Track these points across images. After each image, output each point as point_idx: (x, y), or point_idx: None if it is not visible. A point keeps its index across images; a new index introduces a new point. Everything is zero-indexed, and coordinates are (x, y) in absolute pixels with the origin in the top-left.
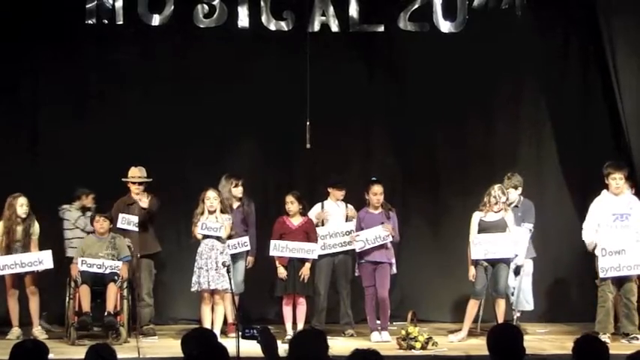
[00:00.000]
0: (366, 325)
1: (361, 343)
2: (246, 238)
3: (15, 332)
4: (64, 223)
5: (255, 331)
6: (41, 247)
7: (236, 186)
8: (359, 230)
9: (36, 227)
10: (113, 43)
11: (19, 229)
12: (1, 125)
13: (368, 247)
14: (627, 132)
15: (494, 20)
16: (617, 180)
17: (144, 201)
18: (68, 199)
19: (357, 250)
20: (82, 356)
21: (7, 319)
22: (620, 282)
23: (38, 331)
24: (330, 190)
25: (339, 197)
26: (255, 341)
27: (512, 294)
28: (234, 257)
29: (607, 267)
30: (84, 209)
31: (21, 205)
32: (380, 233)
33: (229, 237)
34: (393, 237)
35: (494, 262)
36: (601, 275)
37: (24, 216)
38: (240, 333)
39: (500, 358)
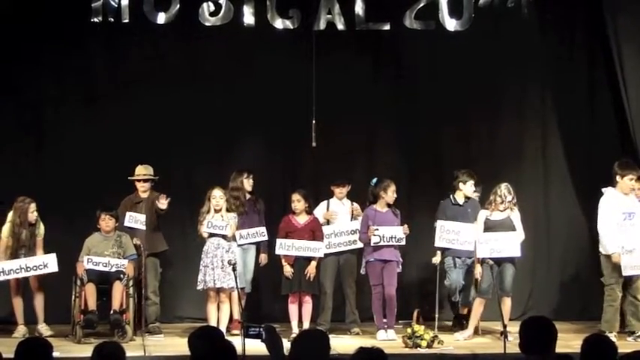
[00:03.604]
0: (372, 324)
1: (367, 342)
2: (263, 228)
3: (21, 330)
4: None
5: (259, 330)
6: (46, 248)
7: (247, 177)
8: (365, 229)
9: (41, 229)
10: (119, 42)
11: (26, 232)
12: (6, 125)
13: (382, 243)
14: (634, 130)
15: (500, 18)
16: (633, 181)
17: (162, 202)
18: None
19: (372, 244)
20: (88, 354)
21: (14, 317)
22: (627, 280)
23: (43, 328)
24: (332, 188)
25: (338, 195)
26: (259, 340)
27: (461, 291)
28: (245, 258)
29: (627, 265)
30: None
31: (32, 211)
32: (397, 234)
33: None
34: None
35: (499, 261)
36: (624, 273)
37: (34, 222)
38: (244, 332)
39: (532, 350)
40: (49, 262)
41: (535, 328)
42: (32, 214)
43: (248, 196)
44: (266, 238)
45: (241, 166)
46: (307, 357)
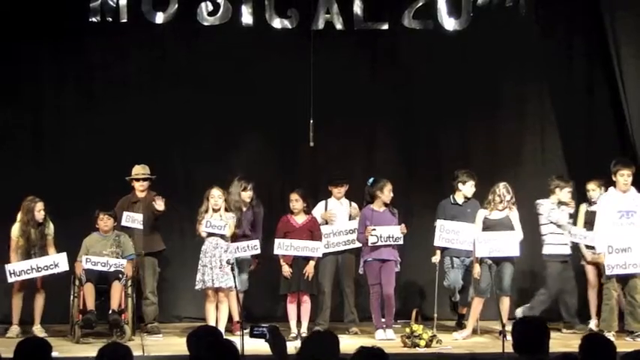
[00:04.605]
0: (370, 323)
1: (365, 341)
2: (256, 242)
3: (14, 330)
4: (540, 219)
5: (264, 330)
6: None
7: (244, 189)
8: (362, 229)
9: (51, 228)
10: (117, 41)
11: (35, 232)
12: (5, 125)
13: (379, 243)
14: (632, 129)
15: (499, 18)
16: (625, 177)
17: (159, 203)
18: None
19: (370, 244)
20: (87, 354)
21: (10, 317)
22: (624, 280)
23: (38, 330)
24: (330, 188)
25: (337, 195)
26: (263, 340)
27: (461, 291)
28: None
29: (613, 264)
30: (560, 203)
31: (39, 210)
32: (394, 233)
33: (234, 236)
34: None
35: (498, 260)
36: (607, 272)
37: (41, 221)
38: (248, 331)
39: (525, 350)
40: (60, 262)
41: (527, 328)
42: (39, 213)
43: (244, 209)
44: (258, 251)
45: (242, 175)
46: (317, 358)
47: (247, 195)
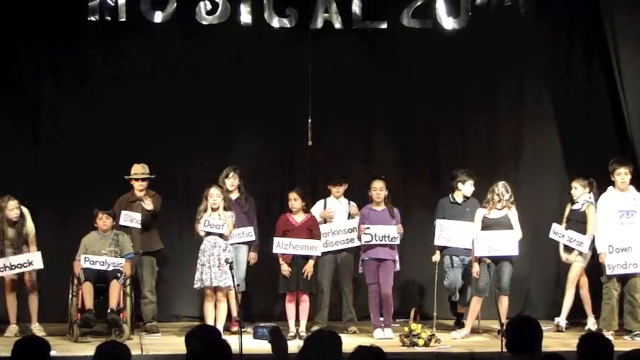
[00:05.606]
0: (369, 322)
1: (364, 340)
2: (250, 229)
3: (12, 329)
4: None
5: (266, 331)
6: (45, 247)
7: (227, 177)
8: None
9: (29, 226)
10: (116, 40)
11: (11, 230)
12: (4, 124)
13: (374, 242)
14: (631, 130)
15: (498, 17)
16: (622, 175)
17: (147, 203)
18: None
19: (363, 243)
20: (85, 353)
21: (6, 316)
22: (624, 279)
23: (37, 329)
24: (328, 187)
25: (335, 194)
26: (266, 341)
27: (461, 291)
28: (236, 256)
29: (614, 264)
30: None
31: (12, 209)
32: (390, 233)
33: None
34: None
35: (497, 260)
36: (608, 272)
37: (15, 219)
38: (252, 333)
39: (518, 350)
40: (34, 260)
41: (519, 327)
42: (12, 212)
43: (237, 194)
44: (253, 238)
45: (230, 165)
46: (318, 357)
47: (230, 183)
